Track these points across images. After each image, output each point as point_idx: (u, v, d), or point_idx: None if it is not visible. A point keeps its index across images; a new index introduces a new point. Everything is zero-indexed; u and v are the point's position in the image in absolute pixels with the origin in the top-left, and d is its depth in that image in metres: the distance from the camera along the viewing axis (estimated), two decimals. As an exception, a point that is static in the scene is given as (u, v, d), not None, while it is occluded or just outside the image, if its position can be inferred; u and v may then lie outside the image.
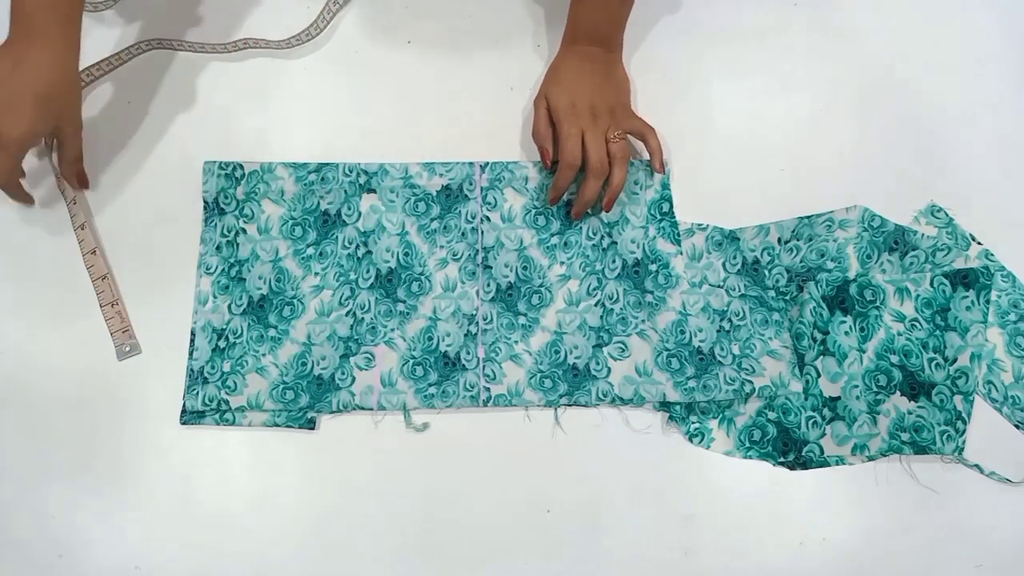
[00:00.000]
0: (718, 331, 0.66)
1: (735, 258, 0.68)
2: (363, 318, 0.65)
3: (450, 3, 0.76)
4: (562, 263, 0.68)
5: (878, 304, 0.66)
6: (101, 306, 0.65)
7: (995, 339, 0.66)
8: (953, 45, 0.76)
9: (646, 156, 0.70)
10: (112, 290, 0.65)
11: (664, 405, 0.64)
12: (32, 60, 0.59)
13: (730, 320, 0.66)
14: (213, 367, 0.64)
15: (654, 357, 0.65)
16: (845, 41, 0.76)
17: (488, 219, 0.69)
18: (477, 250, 0.68)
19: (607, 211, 0.68)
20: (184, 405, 0.63)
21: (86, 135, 0.68)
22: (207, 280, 0.66)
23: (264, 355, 0.64)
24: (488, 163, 0.70)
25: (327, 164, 0.70)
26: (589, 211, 0.69)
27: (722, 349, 0.65)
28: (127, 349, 0.64)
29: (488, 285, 0.67)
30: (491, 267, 0.67)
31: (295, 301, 0.66)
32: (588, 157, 0.65)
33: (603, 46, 0.70)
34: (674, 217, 0.69)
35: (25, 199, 0.66)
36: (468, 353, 0.65)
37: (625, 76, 0.71)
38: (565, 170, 0.66)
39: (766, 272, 0.68)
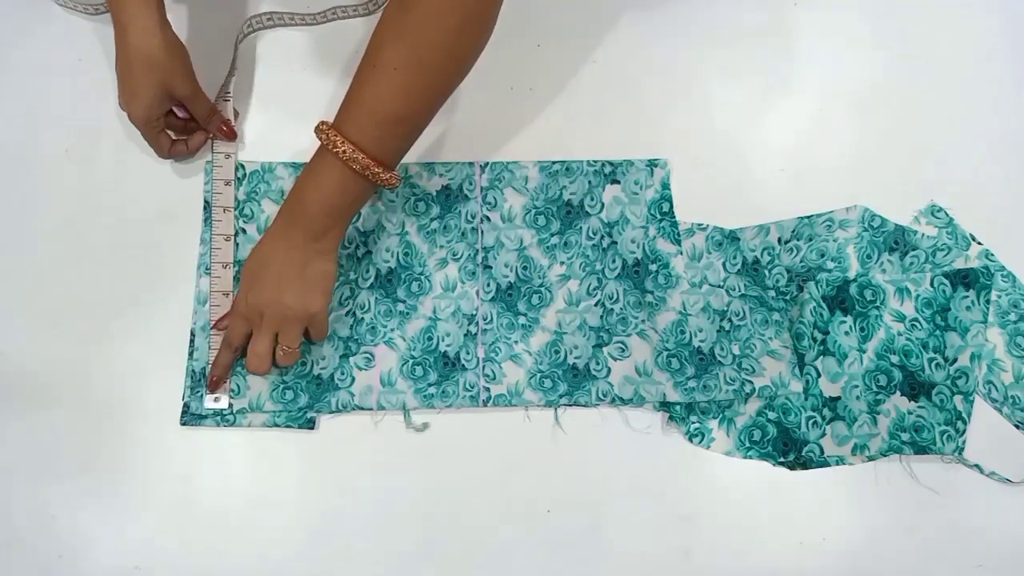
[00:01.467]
0: (718, 331, 0.66)
1: (735, 258, 0.68)
2: (363, 318, 0.65)
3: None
4: (562, 263, 0.68)
5: (878, 304, 0.66)
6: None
7: (995, 339, 0.66)
8: (953, 45, 0.76)
9: None
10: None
11: (664, 405, 0.64)
12: (123, 42, 0.62)
13: (730, 320, 0.66)
14: (213, 367, 0.64)
15: (654, 357, 0.65)
16: (845, 41, 0.76)
17: (488, 219, 0.69)
18: (477, 250, 0.68)
19: None
20: (188, 406, 0.63)
21: (86, 134, 0.68)
22: (207, 280, 0.66)
23: (264, 355, 0.64)
24: (488, 163, 0.70)
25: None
26: (590, 211, 0.69)
27: (722, 349, 0.65)
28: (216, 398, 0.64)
29: (488, 285, 0.67)
30: (491, 267, 0.67)
31: (295, 301, 0.66)
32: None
33: (314, 235, 0.58)
34: (674, 217, 0.69)
35: (183, 150, 0.68)
36: (468, 353, 0.65)
37: (330, 271, 0.60)
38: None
39: (766, 272, 0.68)
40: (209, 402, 0.63)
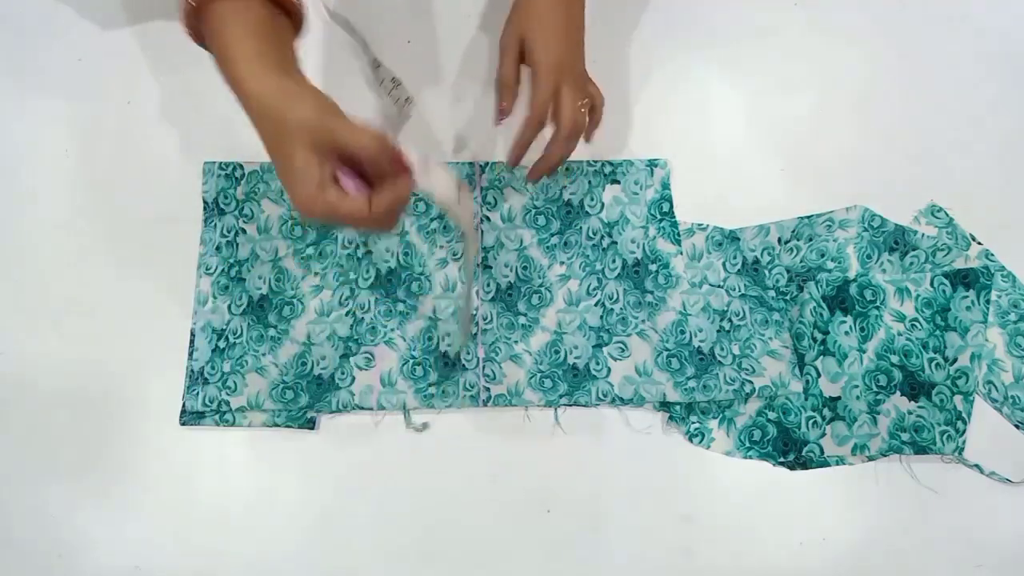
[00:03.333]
0: (718, 331, 0.66)
1: (735, 258, 0.68)
2: (363, 318, 0.65)
3: (450, 3, 0.76)
4: (562, 263, 0.68)
5: (878, 304, 0.66)
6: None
7: (995, 339, 0.66)
8: (953, 45, 0.76)
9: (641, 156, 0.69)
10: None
11: (664, 405, 0.64)
12: (255, 117, 0.48)
13: (730, 320, 0.66)
14: (213, 367, 0.64)
15: (654, 357, 0.65)
16: (845, 41, 0.76)
17: (488, 219, 0.69)
18: (477, 250, 0.68)
19: (535, 177, 0.64)
20: (184, 405, 0.63)
21: (86, 134, 0.68)
22: (207, 280, 0.66)
23: (264, 355, 0.64)
24: (488, 163, 0.70)
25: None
26: (590, 211, 0.69)
27: (722, 349, 0.65)
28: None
29: (488, 285, 0.67)
30: (491, 267, 0.67)
31: (295, 301, 0.66)
32: (562, 116, 0.59)
33: None
34: (674, 217, 0.69)
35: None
36: (468, 353, 0.65)
37: (584, 20, 0.63)
38: (534, 126, 0.60)
39: (766, 272, 0.68)
40: None
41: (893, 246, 0.68)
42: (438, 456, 0.63)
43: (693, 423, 0.64)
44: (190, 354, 0.64)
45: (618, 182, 0.70)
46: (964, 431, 0.63)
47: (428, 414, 0.64)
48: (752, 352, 0.65)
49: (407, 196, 0.48)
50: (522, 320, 0.66)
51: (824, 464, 0.63)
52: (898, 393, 0.64)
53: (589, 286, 0.67)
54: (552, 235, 0.68)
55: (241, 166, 0.69)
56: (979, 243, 0.68)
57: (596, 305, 0.66)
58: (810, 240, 0.68)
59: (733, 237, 0.69)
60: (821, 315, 0.65)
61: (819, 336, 0.65)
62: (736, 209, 0.70)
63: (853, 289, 0.66)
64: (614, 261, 0.68)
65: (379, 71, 0.69)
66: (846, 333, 0.65)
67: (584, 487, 0.63)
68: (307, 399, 0.63)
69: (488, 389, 0.64)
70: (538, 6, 0.61)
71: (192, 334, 0.65)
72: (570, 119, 0.59)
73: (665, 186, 0.70)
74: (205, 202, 0.68)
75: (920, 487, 0.63)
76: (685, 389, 0.64)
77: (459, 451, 0.63)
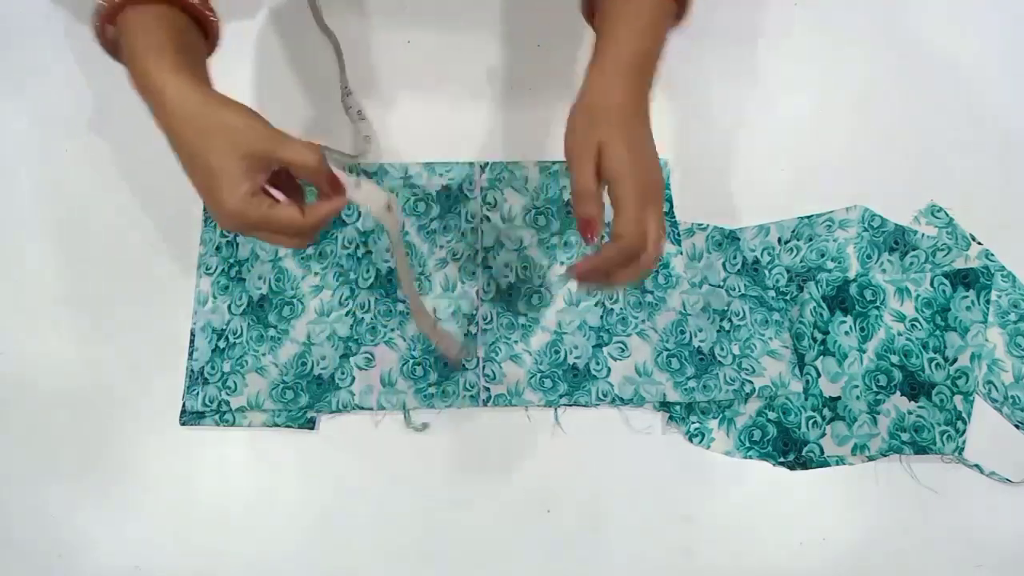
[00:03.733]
0: (718, 331, 0.66)
1: (735, 258, 0.68)
2: (363, 318, 0.65)
3: (450, 3, 0.76)
4: (562, 263, 0.68)
5: (878, 304, 0.66)
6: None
7: (995, 339, 0.66)
8: (953, 45, 0.76)
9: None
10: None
11: (664, 405, 0.64)
12: (164, 123, 0.48)
13: (730, 320, 0.66)
14: (213, 367, 0.64)
15: (654, 357, 0.65)
16: (845, 41, 0.76)
17: (488, 219, 0.69)
18: (477, 250, 0.68)
19: (587, 282, 0.53)
20: (184, 405, 0.63)
21: (86, 134, 0.68)
22: (207, 280, 0.66)
23: (264, 355, 0.64)
24: (488, 163, 0.70)
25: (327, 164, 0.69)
26: None
27: (722, 349, 0.65)
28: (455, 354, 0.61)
29: (488, 285, 0.67)
30: (491, 267, 0.67)
31: (295, 301, 0.66)
32: (648, 244, 0.49)
33: (646, 80, 0.52)
34: (674, 217, 0.69)
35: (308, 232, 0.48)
36: (469, 355, 0.65)
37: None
38: (628, 254, 0.49)
39: (766, 272, 0.68)
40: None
41: (893, 246, 0.68)
42: (438, 456, 0.63)
43: (693, 423, 0.64)
44: (190, 354, 0.64)
45: (618, 182, 0.70)
46: (964, 431, 0.63)
47: (428, 414, 0.64)
48: (752, 352, 0.65)
49: (340, 209, 0.49)
50: (522, 320, 0.66)
51: (824, 464, 0.63)
52: (898, 393, 0.64)
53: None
54: (552, 235, 0.68)
55: (241, 166, 0.69)
56: (979, 243, 0.68)
57: (596, 305, 0.66)
58: (810, 240, 0.68)
59: (733, 237, 0.69)
60: (821, 315, 0.65)
61: (819, 336, 0.65)
62: (736, 209, 0.70)
63: (853, 289, 0.66)
64: (614, 261, 0.67)
65: (348, 99, 0.70)
66: (846, 333, 0.65)
67: (584, 487, 0.63)
68: (307, 399, 0.63)
69: (488, 389, 0.64)
70: (615, 104, 0.50)
71: (192, 334, 0.65)
72: (657, 249, 0.49)
73: (665, 186, 0.70)
74: (205, 202, 0.68)
75: (920, 487, 0.63)
76: (685, 389, 0.64)
77: (459, 451, 0.63)
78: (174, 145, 0.47)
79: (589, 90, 0.51)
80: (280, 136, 0.47)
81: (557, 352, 0.65)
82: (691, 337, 0.65)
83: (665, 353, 0.65)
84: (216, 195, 0.46)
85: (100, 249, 0.67)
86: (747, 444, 0.64)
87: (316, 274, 0.66)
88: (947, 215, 0.69)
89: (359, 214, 0.68)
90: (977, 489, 0.63)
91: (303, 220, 0.46)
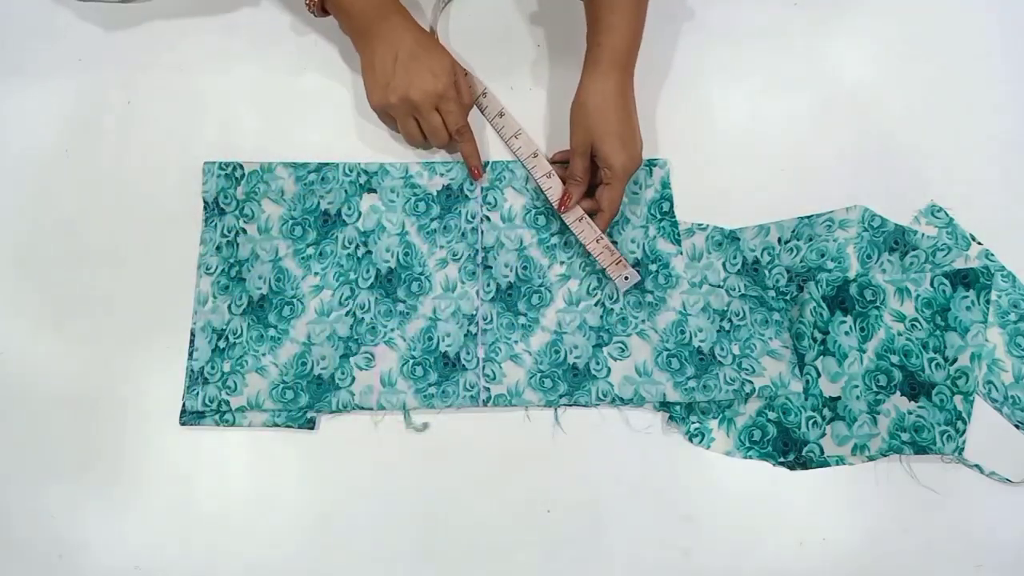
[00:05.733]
0: (718, 331, 0.66)
1: (735, 258, 0.68)
2: (363, 318, 0.65)
3: (452, 3, 0.76)
4: (562, 263, 0.68)
5: (878, 304, 0.66)
6: (585, 244, 0.66)
7: (995, 339, 0.66)
8: (953, 44, 0.76)
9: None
10: (591, 227, 0.66)
11: (664, 405, 0.64)
12: (402, 28, 0.66)
13: (730, 320, 0.66)
14: (213, 367, 0.64)
15: (654, 357, 0.65)
16: (845, 41, 0.76)
17: (488, 219, 0.69)
18: (477, 250, 0.68)
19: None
20: (184, 405, 0.63)
21: (86, 134, 0.68)
22: (207, 280, 0.66)
23: (264, 355, 0.64)
24: (488, 163, 0.70)
25: (327, 164, 0.69)
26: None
27: (722, 349, 0.65)
28: (627, 279, 0.65)
29: (488, 285, 0.67)
30: (491, 267, 0.67)
31: (295, 301, 0.66)
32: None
33: (625, 71, 0.66)
34: (674, 217, 0.69)
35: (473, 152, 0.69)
36: (468, 353, 0.65)
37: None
38: (607, 222, 0.66)
39: (766, 272, 0.68)
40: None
41: (893, 246, 0.68)
42: (438, 456, 0.63)
43: (693, 423, 0.64)
44: (190, 354, 0.64)
45: (618, 182, 0.70)
46: (964, 431, 0.63)
47: (428, 414, 0.64)
48: (752, 352, 0.65)
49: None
50: (522, 320, 0.66)
51: (824, 464, 0.63)
52: (898, 393, 0.64)
53: (589, 286, 0.67)
54: (552, 235, 0.68)
55: (241, 166, 0.69)
56: (979, 243, 0.68)
57: (596, 305, 0.66)
58: (810, 240, 0.68)
59: (733, 237, 0.69)
60: (821, 315, 0.65)
61: (819, 336, 0.65)
62: (736, 209, 0.70)
63: (853, 289, 0.66)
64: (614, 261, 0.68)
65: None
66: (846, 333, 0.65)
67: (584, 487, 0.63)
68: (307, 399, 0.63)
69: (488, 389, 0.64)
70: (604, 108, 0.65)
71: (192, 334, 0.65)
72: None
73: (665, 185, 0.70)
74: (205, 202, 0.68)
75: (920, 487, 0.63)
76: (685, 389, 0.64)
77: (459, 451, 0.63)
78: (405, 47, 0.65)
79: (584, 89, 0.66)
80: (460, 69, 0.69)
81: (557, 352, 0.65)
82: (691, 337, 0.65)
83: (665, 353, 0.65)
84: (433, 81, 0.65)
85: (100, 249, 0.67)
86: (747, 444, 0.64)
87: (316, 274, 0.66)
88: (947, 215, 0.69)
89: (359, 214, 0.68)
90: (977, 489, 0.63)
91: (465, 112, 0.68)
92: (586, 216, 0.66)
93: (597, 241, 0.66)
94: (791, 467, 0.63)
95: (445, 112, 0.66)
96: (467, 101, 0.68)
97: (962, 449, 0.63)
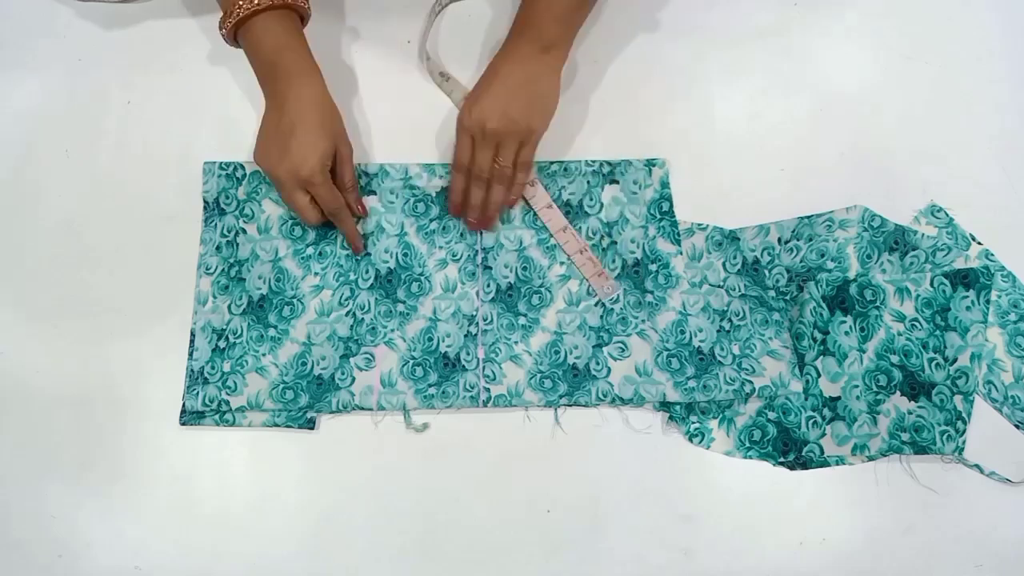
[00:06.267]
0: (718, 331, 0.66)
1: (735, 258, 0.68)
2: (363, 318, 0.65)
3: (450, 3, 0.76)
4: (562, 263, 0.68)
5: (878, 304, 0.66)
6: (570, 255, 0.67)
7: (995, 339, 0.66)
8: (953, 45, 0.76)
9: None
10: (576, 239, 0.67)
11: (664, 405, 0.64)
12: (293, 96, 0.62)
13: (730, 320, 0.66)
14: (213, 367, 0.64)
15: (654, 357, 0.65)
16: (845, 41, 0.76)
17: (488, 219, 0.69)
18: (477, 250, 0.68)
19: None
20: (184, 405, 0.63)
21: (86, 134, 0.68)
22: (207, 280, 0.66)
23: (264, 355, 0.64)
24: (488, 163, 0.70)
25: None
26: (589, 211, 0.68)
27: (722, 349, 0.65)
28: (608, 291, 0.66)
29: (488, 286, 0.67)
30: (491, 267, 0.67)
31: (295, 301, 0.66)
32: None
33: (542, 46, 0.64)
34: (674, 217, 0.69)
35: (353, 232, 0.66)
36: (468, 354, 0.65)
37: (553, 90, 0.65)
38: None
39: (766, 272, 0.68)
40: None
41: (893, 246, 0.68)
42: (438, 456, 0.63)
43: (693, 423, 0.64)
44: (190, 354, 0.64)
45: (617, 182, 0.70)
46: (964, 431, 0.63)
47: (428, 414, 0.64)
48: (752, 352, 0.65)
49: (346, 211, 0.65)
50: (522, 320, 0.66)
51: (824, 464, 0.63)
52: (898, 393, 0.64)
53: (589, 286, 0.67)
54: (552, 235, 0.68)
55: (242, 166, 0.69)
56: (979, 243, 0.68)
57: (596, 305, 0.66)
58: (810, 240, 0.68)
59: (733, 237, 0.69)
60: (821, 315, 0.65)
61: (819, 336, 0.65)
62: (736, 209, 0.70)
63: (853, 289, 0.66)
64: (614, 261, 0.68)
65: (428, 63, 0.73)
66: (846, 333, 0.65)
67: (584, 487, 0.63)
68: (307, 399, 0.63)
69: (488, 389, 0.64)
70: (489, 72, 0.65)
71: (192, 334, 0.65)
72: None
73: (664, 185, 0.70)
74: (205, 202, 0.68)
75: (920, 487, 0.63)
76: (685, 389, 0.64)
77: (459, 451, 0.63)
78: (287, 117, 0.62)
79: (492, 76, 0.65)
80: (350, 147, 0.66)
81: (557, 352, 0.65)
82: (691, 337, 0.65)
83: (665, 353, 0.65)
84: (306, 159, 0.61)
85: (100, 249, 0.67)
86: (747, 444, 0.64)
87: (316, 274, 0.66)
88: (947, 215, 0.69)
89: (358, 216, 0.68)
90: (977, 489, 0.63)
91: (337, 198, 0.64)
92: (570, 227, 0.67)
93: (580, 252, 0.66)
94: (791, 467, 0.63)
95: (314, 194, 0.63)
96: (347, 183, 0.65)
97: (962, 449, 0.63)
